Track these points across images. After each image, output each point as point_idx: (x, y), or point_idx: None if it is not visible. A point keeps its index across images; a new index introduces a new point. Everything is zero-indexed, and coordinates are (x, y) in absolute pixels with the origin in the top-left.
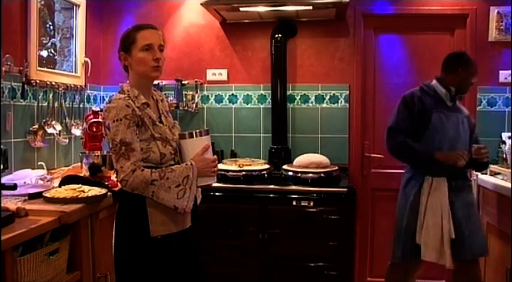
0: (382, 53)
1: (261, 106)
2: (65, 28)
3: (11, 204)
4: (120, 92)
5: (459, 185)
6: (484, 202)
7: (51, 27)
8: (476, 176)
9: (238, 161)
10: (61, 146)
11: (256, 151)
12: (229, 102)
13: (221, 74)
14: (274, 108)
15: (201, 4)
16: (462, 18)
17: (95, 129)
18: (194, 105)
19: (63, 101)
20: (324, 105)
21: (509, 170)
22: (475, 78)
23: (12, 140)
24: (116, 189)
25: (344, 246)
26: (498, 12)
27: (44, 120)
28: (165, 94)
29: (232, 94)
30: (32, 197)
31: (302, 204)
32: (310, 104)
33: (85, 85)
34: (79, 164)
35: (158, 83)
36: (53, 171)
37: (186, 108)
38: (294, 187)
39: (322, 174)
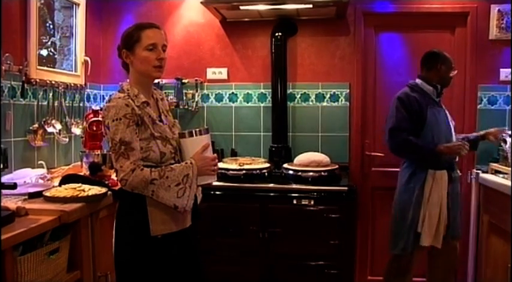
0: (383, 52)
1: (261, 105)
2: (65, 27)
3: (11, 203)
4: (120, 91)
5: (456, 176)
6: (485, 200)
7: (51, 26)
8: (477, 174)
9: (239, 159)
10: (61, 145)
11: (256, 150)
12: (230, 100)
13: (221, 73)
14: (275, 107)
15: (201, 3)
16: (463, 16)
17: (95, 128)
18: (194, 104)
19: (63, 100)
20: (325, 103)
21: (510, 169)
22: (453, 72)
23: (12, 139)
24: (116, 188)
25: (345, 245)
26: (499, 10)
27: (44, 119)
28: (165, 93)
29: (233, 93)
30: (32, 196)
31: (302, 203)
32: (311, 103)
33: (85, 84)
34: (79, 163)
35: (158, 82)
36: (53, 170)
37: (186, 107)
38: (294, 186)
39: (322, 173)
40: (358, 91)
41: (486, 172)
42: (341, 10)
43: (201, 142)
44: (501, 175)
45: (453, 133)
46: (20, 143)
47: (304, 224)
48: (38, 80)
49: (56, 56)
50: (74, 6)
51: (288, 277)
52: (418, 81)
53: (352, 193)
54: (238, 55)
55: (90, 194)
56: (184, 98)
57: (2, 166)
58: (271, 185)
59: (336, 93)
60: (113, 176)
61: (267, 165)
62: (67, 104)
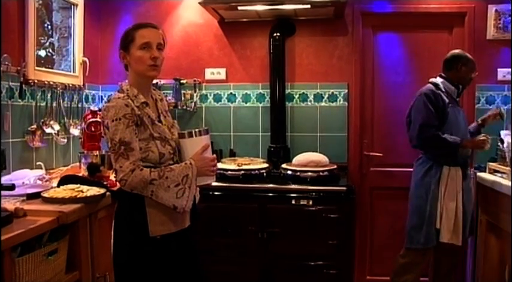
0: (381, 52)
1: (260, 105)
2: (63, 27)
3: (10, 204)
4: (119, 91)
5: (469, 173)
6: (483, 200)
7: (49, 26)
8: (475, 173)
9: (237, 160)
10: (59, 146)
11: (255, 150)
12: (228, 101)
13: (219, 73)
14: (273, 107)
15: (199, 3)
16: (460, 16)
17: (93, 129)
18: (193, 104)
19: (61, 100)
20: (323, 103)
21: (508, 168)
22: (475, 74)
23: (10, 140)
24: (115, 188)
25: (343, 245)
26: (496, 10)
27: (42, 120)
28: (164, 93)
29: (231, 93)
30: (31, 197)
31: (301, 203)
32: (309, 103)
33: (83, 85)
34: (77, 163)
35: (157, 82)
36: (51, 171)
37: (184, 107)
38: (293, 186)
39: (321, 173)
40: (356, 91)
41: (484, 171)
42: (339, 10)
43: (200, 143)
44: (499, 174)
45: (467, 131)
46: (18, 143)
47: (302, 224)
48: (36, 81)
49: (54, 57)
50: (72, 6)
51: (286, 277)
52: (439, 79)
53: (351, 193)
54: (237, 55)
55: (88, 194)
56: (183, 98)
57: (0, 167)
58: (270, 185)
59: (334, 93)
60: (112, 177)
61: (266, 165)
62: (65, 105)
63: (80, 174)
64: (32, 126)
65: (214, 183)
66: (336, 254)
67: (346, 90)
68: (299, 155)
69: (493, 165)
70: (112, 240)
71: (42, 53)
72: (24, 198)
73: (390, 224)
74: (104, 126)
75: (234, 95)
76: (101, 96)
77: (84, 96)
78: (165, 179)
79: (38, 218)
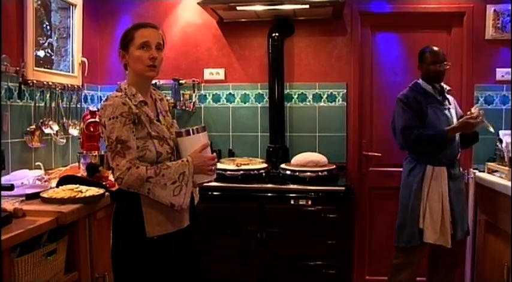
0: (380, 52)
1: (259, 105)
2: (62, 28)
3: (9, 204)
4: (117, 90)
5: (456, 173)
6: (482, 200)
7: (48, 27)
8: (474, 173)
9: (236, 160)
10: (58, 146)
11: (254, 150)
12: (227, 101)
13: (218, 73)
14: (272, 107)
15: (198, 3)
16: (459, 16)
17: (92, 129)
18: (192, 104)
19: (60, 101)
20: (322, 103)
21: (507, 168)
22: (442, 66)
23: (9, 141)
24: (114, 189)
25: (342, 245)
26: (495, 10)
27: (41, 121)
28: (163, 93)
29: (230, 93)
30: (30, 197)
31: (300, 203)
32: (308, 103)
33: (82, 85)
34: (76, 164)
35: (156, 82)
36: (50, 171)
37: (183, 107)
38: (291, 186)
39: (320, 173)
40: (355, 91)
41: (483, 171)
42: (338, 10)
43: (198, 140)
44: (497, 174)
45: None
46: (17, 144)
47: (301, 224)
48: (35, 81)
49: (53, 57)
50: (71, 7)
51: (285, 277)
52: (420, 80)
53: (350, 193)
54: (236, 56)
55: (87, 195)
56: (182, 98)
57: None
58: (269, 185)
59: (333, 93)
60: (111, 177)
61: (265, 165)
62: (64, 105)
63: (79, 175)
64: (31, 127)
65: (213, 183)
66: (335, 254)
67: (345, 90)
68: (298, 155)
69: (492, 165)
70: (111, 241)
71: (41, 53)
72: (23, 198)
73: (389, 223)
74: (101, 125)
75: (233, 95)
76: (100, 97)
77: (83, 97)
78: (162, 177)
79: (37, 218)
